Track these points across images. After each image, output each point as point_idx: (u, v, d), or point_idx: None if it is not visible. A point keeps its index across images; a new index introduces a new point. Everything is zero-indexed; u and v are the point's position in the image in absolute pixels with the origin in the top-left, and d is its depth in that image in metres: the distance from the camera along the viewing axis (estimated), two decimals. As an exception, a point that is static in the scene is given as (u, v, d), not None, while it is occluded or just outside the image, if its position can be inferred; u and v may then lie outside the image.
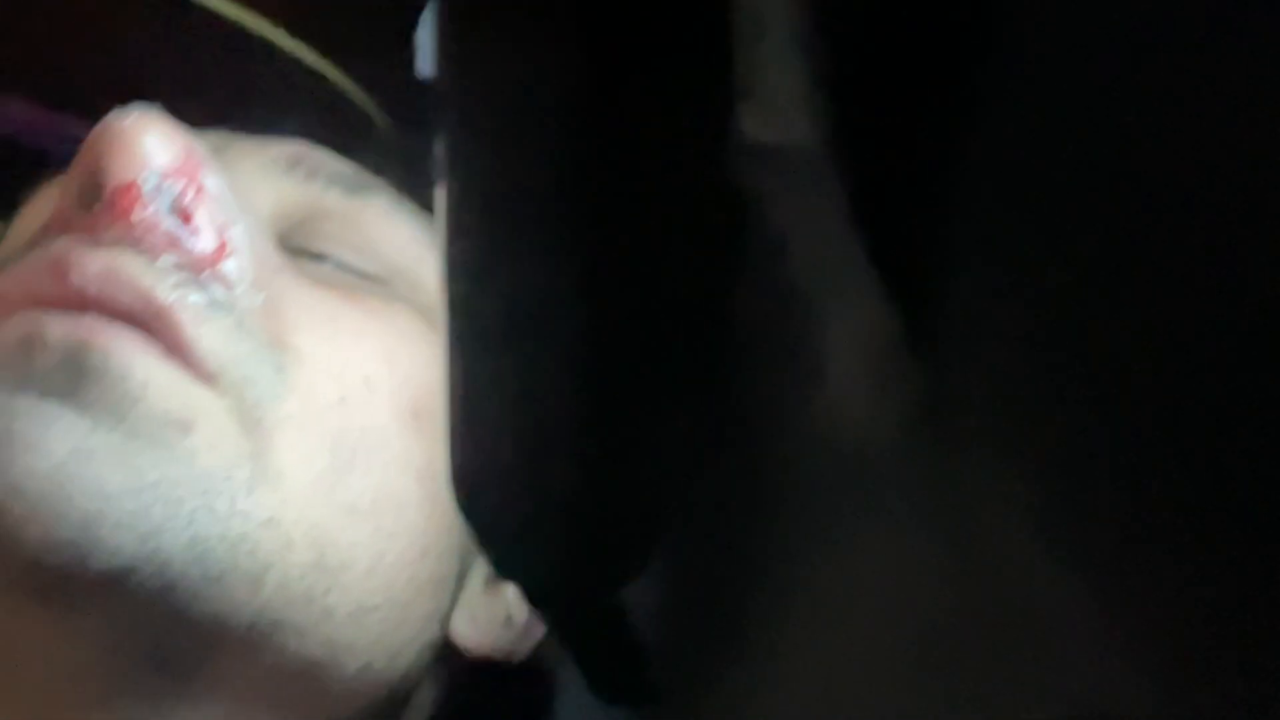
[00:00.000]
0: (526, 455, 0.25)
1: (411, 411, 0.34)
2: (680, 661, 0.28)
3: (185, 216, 0.33)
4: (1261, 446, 0.13)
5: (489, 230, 0.22)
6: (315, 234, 0.38)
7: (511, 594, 0.38)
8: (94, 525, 0.29)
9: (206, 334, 0.32)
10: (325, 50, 0.50)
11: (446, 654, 0.36)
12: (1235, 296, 0.14)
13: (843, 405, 0.24)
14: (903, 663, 0.23)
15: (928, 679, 0.23)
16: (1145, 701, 0.16)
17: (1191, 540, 0.14)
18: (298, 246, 0.37)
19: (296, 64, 0.48)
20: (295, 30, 0.49)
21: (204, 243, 0.33)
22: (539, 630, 0.39)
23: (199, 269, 0.33)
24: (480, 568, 0.37)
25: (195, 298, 0.32)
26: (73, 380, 0.30)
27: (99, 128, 0.33)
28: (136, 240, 0.32)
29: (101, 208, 0.32)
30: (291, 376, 0.33)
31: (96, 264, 0.31)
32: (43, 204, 0.38)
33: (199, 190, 0.33)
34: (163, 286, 0.32)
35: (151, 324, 0.31)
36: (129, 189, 0.32)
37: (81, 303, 0.31)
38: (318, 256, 0.37)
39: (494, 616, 0.38)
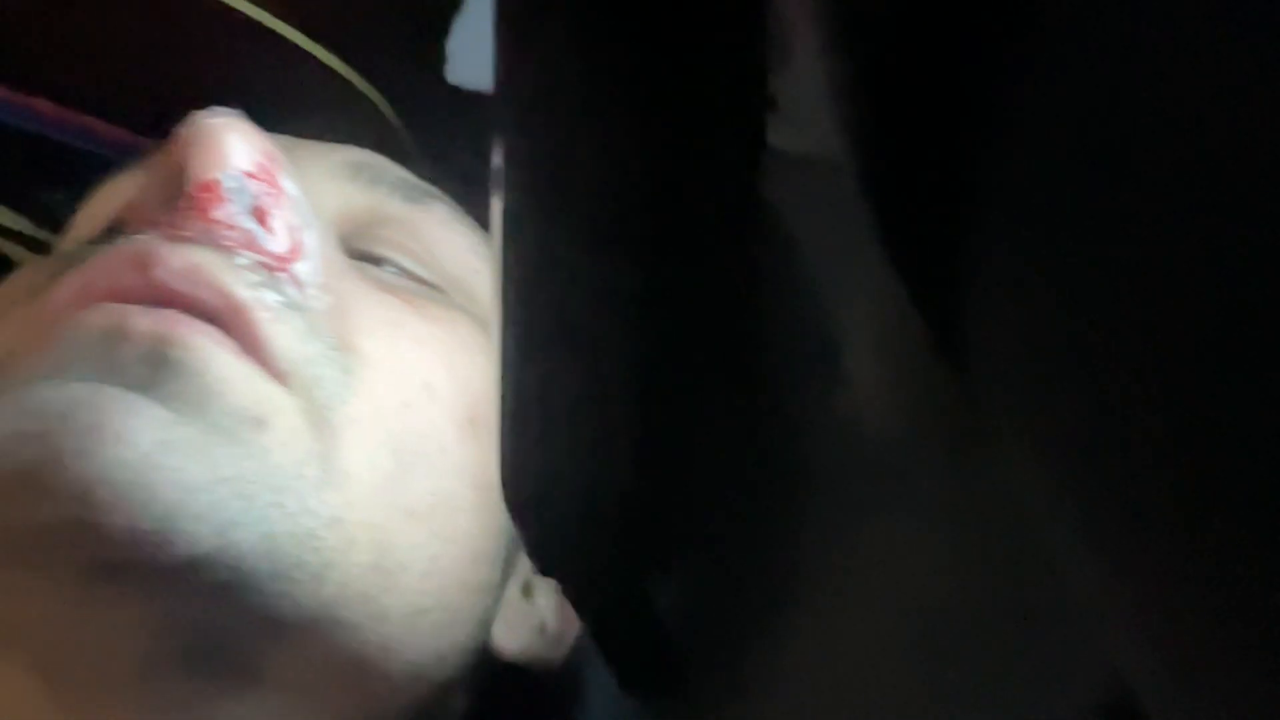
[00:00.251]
0: (577, 456, 0.25)
1: (468, 418, 0.35)
2: (707, 655, 0.29)
3: (262, 217, 0.34)
4: None
5: (546, 237, 0.23)
6: (377, 239, 0.38)
7: (544, 602, 0.39)
8: (175, 516, 0.29)
9: (280, 333, 0.32)
10: (344, 55, 0.50)
11: (483, 659, 0.37)
12: (1256, 290, 0.14)
13: (863, 404, 0.25)
14: (928, 654, 0.24)
15: (953, 669, 0.24)
16: (1166, 689, 0.16)
17: (1222, 533, 0.14)
18: (359, 250, 0.38)
19: (317, 65, 0.48)
20: (312, 33, 0.50)
21: (279, 244, 0.34)
22: (570, 637, 0.40)
23: (274, 269, 0.33)
24: (517, 576, 0.38)
25: (271, 297, 0.33)
26: (155, 373, 0.30)
27: (185, 126, 0.34)
28: (216, 238, 0.33)
29: (184, 204, 0.33)
30: (357, 379, 0.34)
31: (179, 260, 0.32)
32: (109, 198, 0.39)
33: (277, 193, 0.34)
34: (241, 285, 0.32)
35: (229, 321, 0.32)
36: (211, 187, 0.33)
37: (163, 297, 0.32)
38: (379, 261, 0.38)
39: (529, 624, 0.39)
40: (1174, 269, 0.14)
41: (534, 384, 0.25)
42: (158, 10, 0.44)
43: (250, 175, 0.34)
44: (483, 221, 0.40)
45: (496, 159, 0.23)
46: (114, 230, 0.37)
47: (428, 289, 0.38)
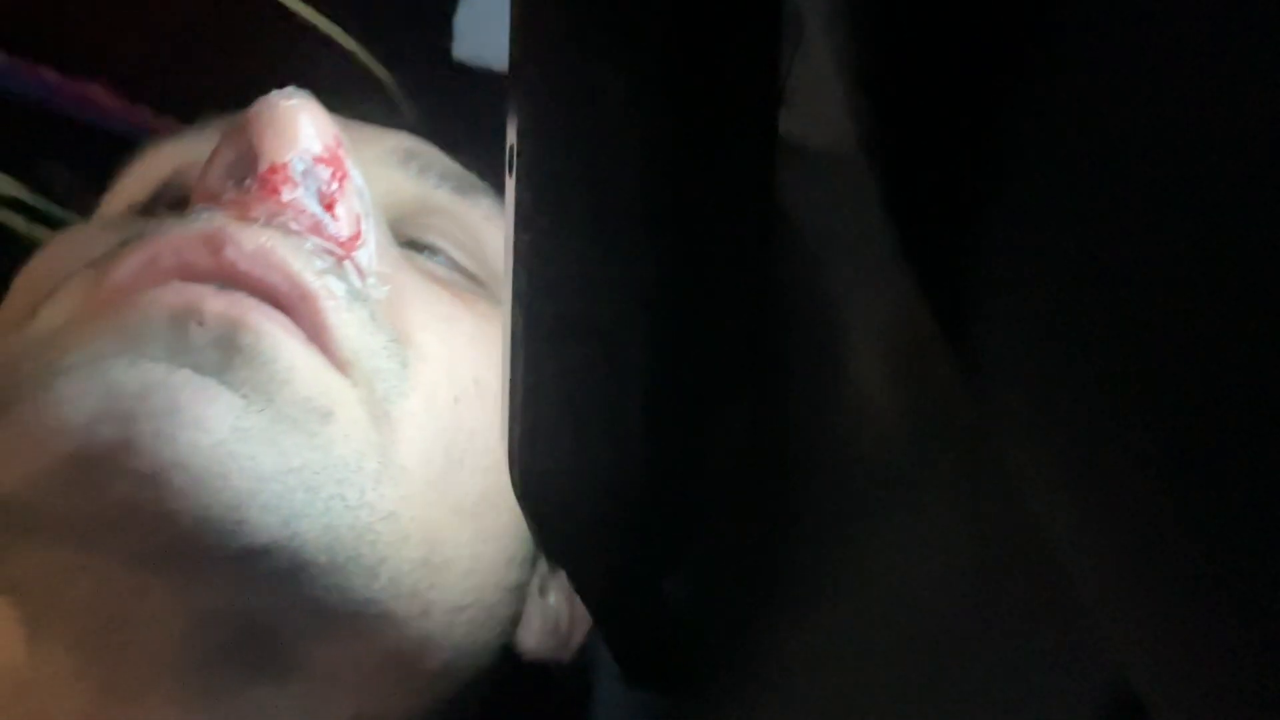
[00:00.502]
0: (589, 448, 0.25)
1: None
2: (715, 652, 0.29)
3: (328, 204, 0.33)
4: None
5: (560, 223, 0.23)
6: (425, 227, 0.38)
7: (557, 600, 0.40)
8: (245, 505, 0.29)
9: (345, 323, 0.32)
10: (351, 30, 0.50)
11: (505, 657, 0.37)
12: (1257, 290, 0.14)
13: (866, 399, 0.25)
14: (932, 652, 0.25)
15: (956, 667, 0.24)
16: (1167, 685, 0.16)
17: (1225, 533, 0.14)
18: (407, 238, 0.38)
19: (326, 42, 0.48)
20: (320, 8, 0.49)
21: (343, 230, 0.33)
22: (580, 635, 0.40)
23: (339, 256, 0.33)
24: (536, 576, 0.39)
25: (337, 285, 0.32)
26: (226, 358, 0.30)
27: (258, 106, 0.33)
28: (285, 221, 0.32)
29: (254, 184, 0.32)
30: (414, 373, 0.33)
31: (250, 242, 0.31)
32: (154, 165, 0.38)
33: (343, 178, 0.34)
34: (309, 271, 0.32)
35: (296, 308, 0.32)
36: (281, 169, 0.33)
37: (233, 279, 0.31)
38: (425, 249, 0.38)
39: (545, 622, 0.39)
40: (1180, 270, 0.15)
41: (545, 373, 0.24)
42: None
43: (319, 159, 0.33)
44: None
45: (511, 138, 0.23)
46: (168, 197, 0.37)
47: (474, 284, 0.38)
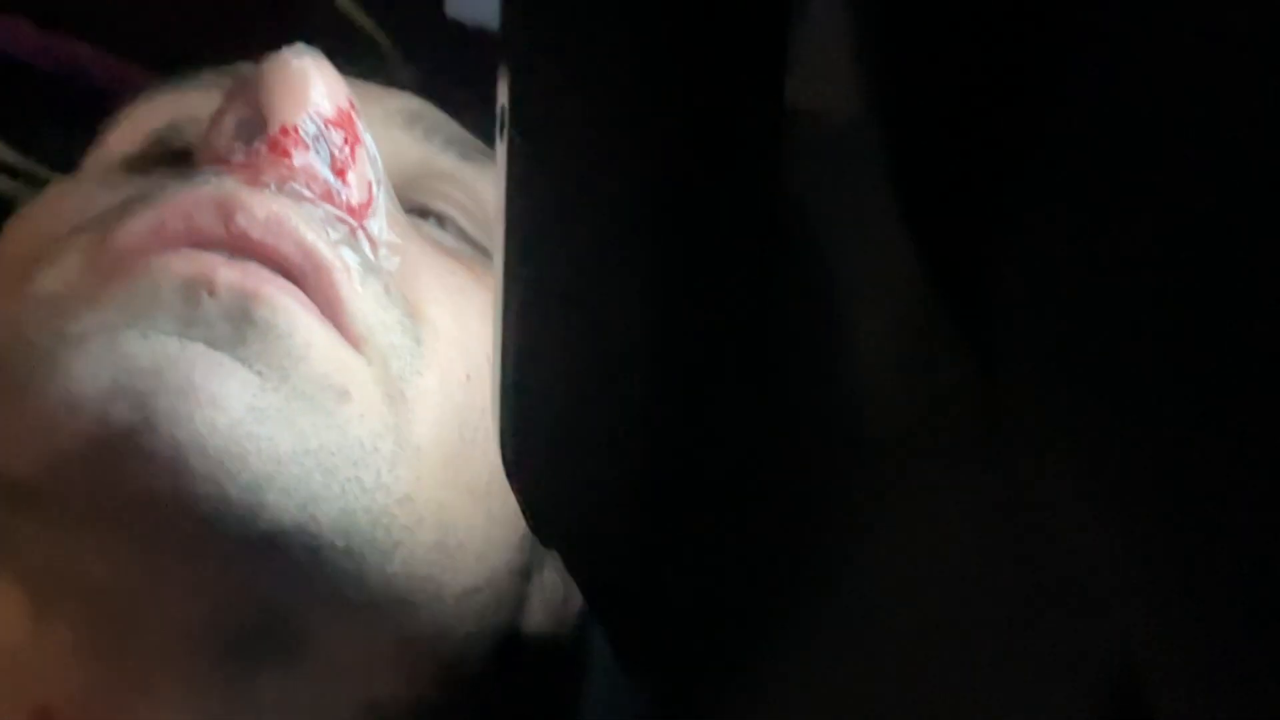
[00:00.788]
0: (585, 425, 0.25)
1: None
2: (714, 638, 0.29)
3: (340, 169, 0.32)
4: None
5: (555, 187, 0.22)
6: (429, 192, 0.37)
7: (551, 576, 0.39)
8: (264, 488, 0.28)
9: (359, 296, 0.31)
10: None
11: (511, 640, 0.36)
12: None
13: (871, 374, 0.25)
14: (937, 638, 0.24)
15: (960, 655, 0.24)
16: (1177, 671, 0.16)
17: (1254, 520, 0.14)
18: (412, 203, 0.36)
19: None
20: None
21: (355, 198, 0.32)
22: (574, 610, 0.39)
23: (351, 226, 0.31)
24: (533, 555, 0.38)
25: (351, 257, 0.31)
26: (239, 332, 0.29)
27: (268, 64, 0.31)
28: (296, 187, 0.31)
29: (264, 147, 0.31)
30: (428, 349, 0.32)
31: (262, 209, 0.30)
32: (146, 117, 0.36)
33: (355, 143, 0.32)
34: (324, 241, 0.30)
35: (310, 279, 0.30)
36: (293, 131, 0.31)
37: (244, 247, 0.30)
38: (433, 215, 0.36)
39: (546, 601, 0.38)
40: (1217, 258, 0.14)
41: (537, 346, 0.24)
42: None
43: (331, 122, 0.32)
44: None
45: (502, 98, 0.22)
46: (161, 153, 0.35)
47: (483, 254, 0.37)
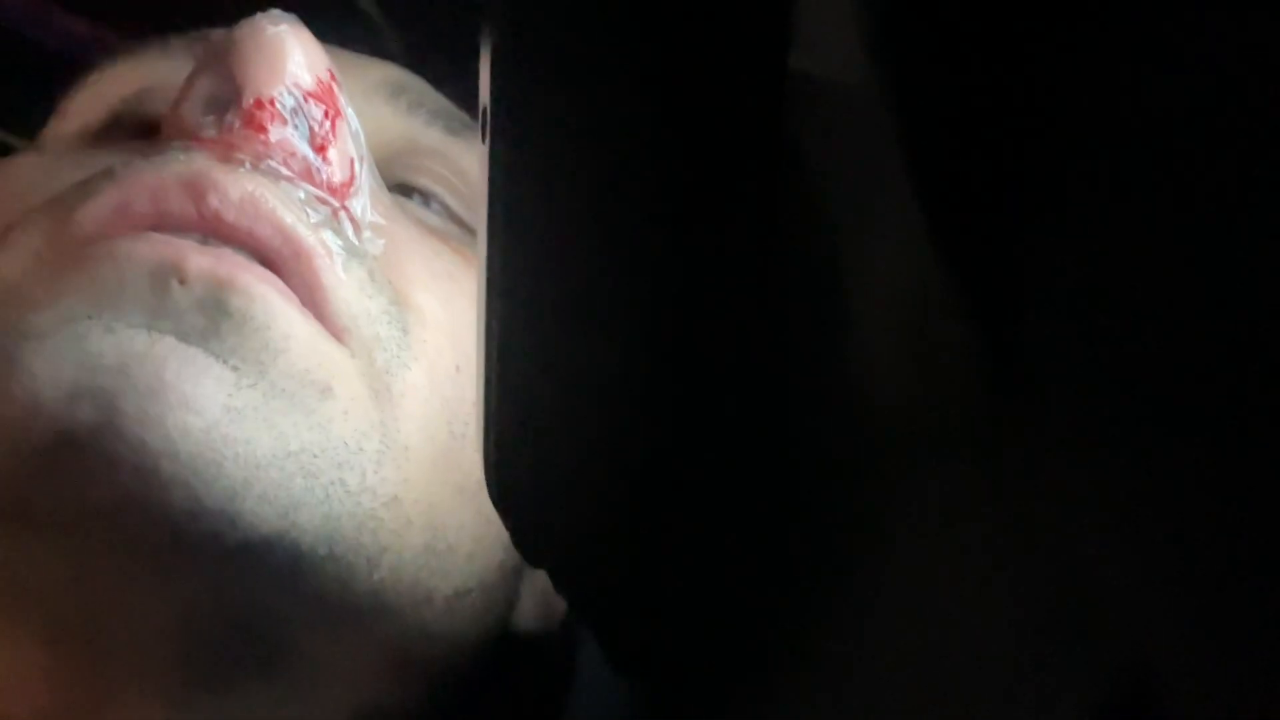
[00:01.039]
0: (572, 444, 0.24)
1: None
2: (711, 644, 0.28)
3: (320, 146, 0.29)
4: None
5: (542, 191, 0.21)
6: (413, 169, 0.35)
7: (542, 575, 0.37)
8: (240, 495, 0.26)
9: (342, 284, 0.29)
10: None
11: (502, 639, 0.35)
12: None
13: (876, 356, 0.24)
14: (939, 639, 0.23)
15: (961, 655, 0.23)
16: (1189, 672, 0.16)
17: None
18: (395, 180, 0.34)
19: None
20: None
21: (336, 176, 0.30)
22: (561, 607, 0.38)
23: (333, 206, 0.29)
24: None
25: (333, 240, 0.29)
26: (213, 324, 0.27)
27: (241, 30, 0.29)
28: (273, 165, 0.29)
29: (237, 120, 0.29)
30: (416, 340, 0.30)
31: (237, 189, 0.28)
32: (108, 87, 0.34)
33: (336, 117, 0.30)
34: (303, 224, 0.28)
35: (289, 266, 0.28)
36: (269, 104, 0.29)
37: (217, 231, 0.28)
38: (417, 193, 0.34)
39: (537, 599, 0.36)
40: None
41: (526, 363, 0.23)
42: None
43: (310, 95, 0.29)
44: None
45: (484, 99, 0.21)
46: (126, 125, 0.33)
47: (469, 234, 0.35)
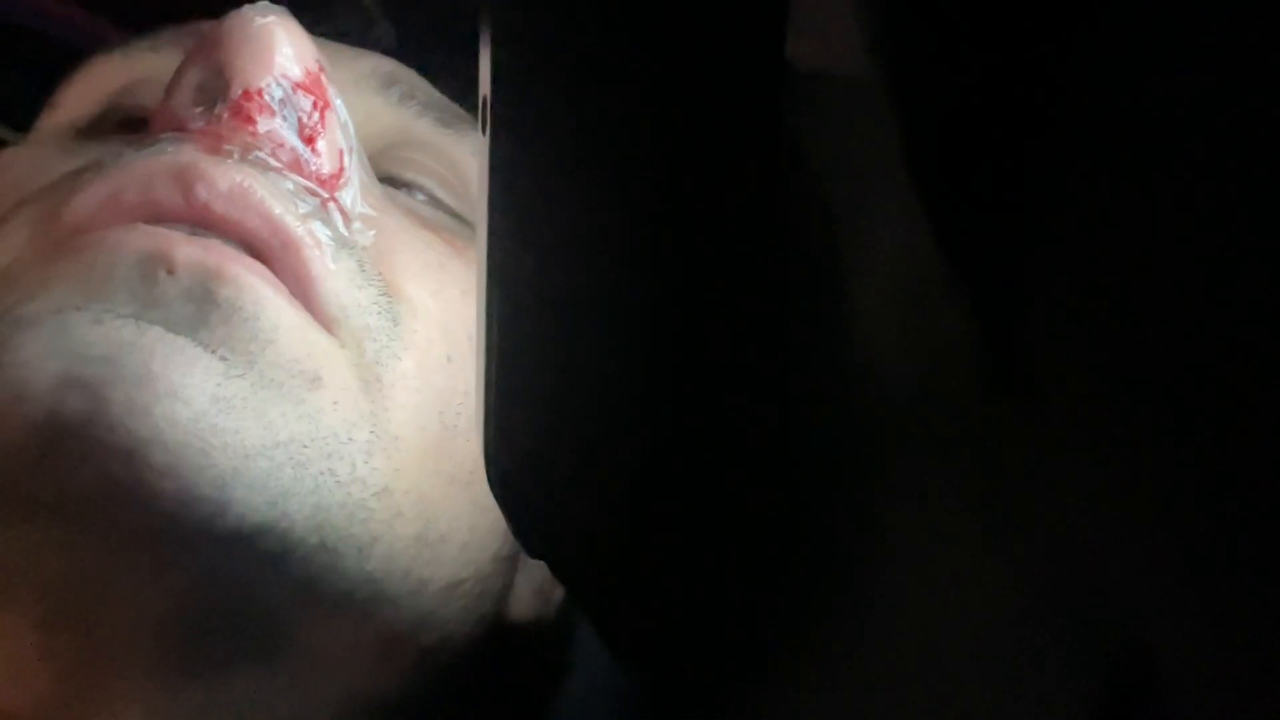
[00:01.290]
0: (573, 434, 0.24)
1: None
2: (713, 633, 0.28)
3: (309, 137, 0.30)
4: None
5: (543, 182, 0.21)
6: (405, 162, 0.35)
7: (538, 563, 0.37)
8: (230, 484, 0.26)
9: (331, 274, 0.29)
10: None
11: (497, 627, 0.35)
12: None
13: (875, 344, 0.24)
14: (943, 629, 0.23)
15: (965, 644, 0.23)
16: (1189, 658, 0.16)
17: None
18: (386, 173, 0.34)
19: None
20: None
21: (325, 167, 0.30)
22: (559, 595, 0.38)
23: (322, 197, 0.29)
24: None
25: (322, 231, 0.29)
26: (201, 314, 0.27)
27: (229, 22, 0.29)
28: (262, 156, 0.29)
29: (226, 112, 0.29)
30: (406, 330, 0.30)
31: (225, 179, 0.28)
32: (99, 81, 0.34)
33: (325, 109, 0.30)
34: (292, 214, 0.28)
35: (278, 256, 0.28)
36: (257, 96, 0.29)
37: (206, 221, 0.28)
38: (405, 185, 0.34)
39: (530, 584, 0.36)
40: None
41: (526, 355, 0.23)
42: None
43: (299, 86, 0.29)
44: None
45: (484, 88, 0.21)
46: (117, 118, 0.33)
47: (461, 224, 0.35)
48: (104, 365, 0.25)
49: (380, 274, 0.30)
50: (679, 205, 0.22)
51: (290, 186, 0.29)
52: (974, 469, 0.23)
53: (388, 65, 0.36)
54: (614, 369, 0.23)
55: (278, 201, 0.28)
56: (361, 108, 0.34)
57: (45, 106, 0.36)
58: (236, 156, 0.28)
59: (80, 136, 0.34)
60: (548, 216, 0.21)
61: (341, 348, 0.29)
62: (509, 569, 0.34)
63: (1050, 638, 0.22)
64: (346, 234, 0.30)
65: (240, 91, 0.29)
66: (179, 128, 0.29)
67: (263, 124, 0.29)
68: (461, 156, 0.36)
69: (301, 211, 0.29)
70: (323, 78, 0.30)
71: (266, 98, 0.29)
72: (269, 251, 0.28)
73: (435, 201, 0.35)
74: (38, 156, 0.32)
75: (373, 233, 0.31)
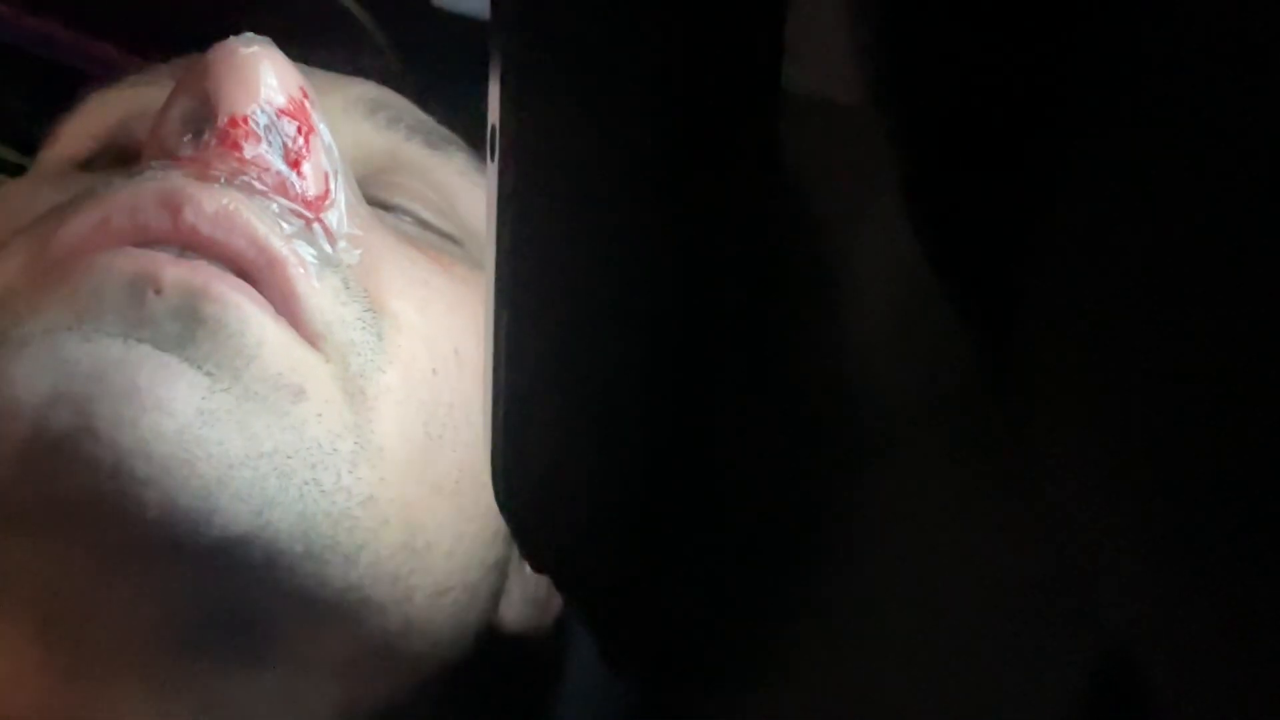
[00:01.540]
0: (583, 451, 0.24)
1: None
2: (710, 640, 0.28)
3: (294, 161, 0.31)
4: None
5: (550, 208, 0.22)
6: (393, 186, 0.36)
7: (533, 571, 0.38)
8: (215, 494, 0.27)
9: (316, 292, 0.30)
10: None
11: (489, 635, 0.35)
12: None
13: (869, 360, 0.24)
14: (935, 630, 0.24)
15: (957, 645, 0.23)
16: (1182, 665, 0.16)
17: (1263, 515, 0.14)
18: (374, 197, 0.35)
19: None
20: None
21: (311, 190, 0.31)
22: (556, 606, 0.39)
23: (306, 219, 0.30)
24: (514, 549, 0.36)
25: (307, 250, 0.30)
26: (187, 331, 0.28)
27: (215, 53, 0.30)
28: (248, 180, 0.30)
29: (213, 139, 0.30)
30: (391, 344, 0.31)
31: (211, 203, 0.29)
32: (99, 114, 0.35)
33: (309, 134, 0.31)
34: (276, 235, 0.29)
35: (263, 276, 0.29)
36: (243, 122, 0.30)
37: (192, 243, 0.29)
38: (395, 209, 0.35)
39: (525, 595, 0.37)
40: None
41: (533, 374, 0.23)
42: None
43: (283, 112, 0.31)
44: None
45: (493, 118, 0.21)
46: (114, 151, 0.34)
47: (449, 243, 0.36)
48: (91, 381, 0.26)
49: (365, 291, 0.31)
50: (683, 229, 0.23)
51: (276, 209, 0.30)
52: (969, 472, 0.23)
53: (374, 91, 0.37)
54: (618, 385, 0.24)
55: (263, 223, 0.29)
56: (350, 133, 0.35)
57: (46, 139, 0.37)
58: (223, 181, 0.29)
59: (79, 170, 0.35)
60: (552, 240, 0.22)
61: (326, 362, 0.30)
62: (498, 577, 0.35)
63: (1047, 637, 0.23)
64: (331, 253, 0.31)
65: (226, 119, 0.30)
66: (168, 156, 0.30)
67: (249, 149, 0.30)
68: (448, 177, 0.37)
69: (286, 232, 0.30)
70: (306, 103, 0.31)
71: (252, 124, 0.30)
72: (255, 271, 0.29)
73: (422, 223, 0.36)
74: (35, 189, 0.33)
75: (359, 251, 0.32)
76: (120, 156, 0.34)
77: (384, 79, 0.40)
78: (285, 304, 0.29)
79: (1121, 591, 0.17)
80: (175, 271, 0.28)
